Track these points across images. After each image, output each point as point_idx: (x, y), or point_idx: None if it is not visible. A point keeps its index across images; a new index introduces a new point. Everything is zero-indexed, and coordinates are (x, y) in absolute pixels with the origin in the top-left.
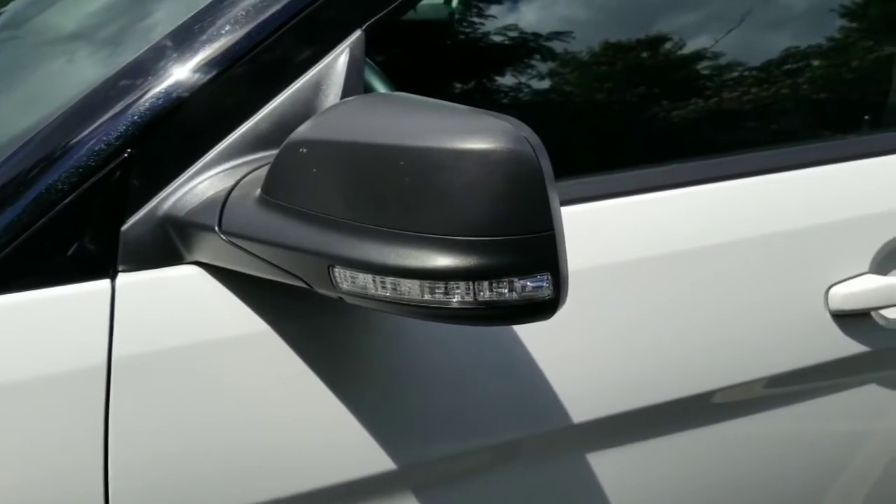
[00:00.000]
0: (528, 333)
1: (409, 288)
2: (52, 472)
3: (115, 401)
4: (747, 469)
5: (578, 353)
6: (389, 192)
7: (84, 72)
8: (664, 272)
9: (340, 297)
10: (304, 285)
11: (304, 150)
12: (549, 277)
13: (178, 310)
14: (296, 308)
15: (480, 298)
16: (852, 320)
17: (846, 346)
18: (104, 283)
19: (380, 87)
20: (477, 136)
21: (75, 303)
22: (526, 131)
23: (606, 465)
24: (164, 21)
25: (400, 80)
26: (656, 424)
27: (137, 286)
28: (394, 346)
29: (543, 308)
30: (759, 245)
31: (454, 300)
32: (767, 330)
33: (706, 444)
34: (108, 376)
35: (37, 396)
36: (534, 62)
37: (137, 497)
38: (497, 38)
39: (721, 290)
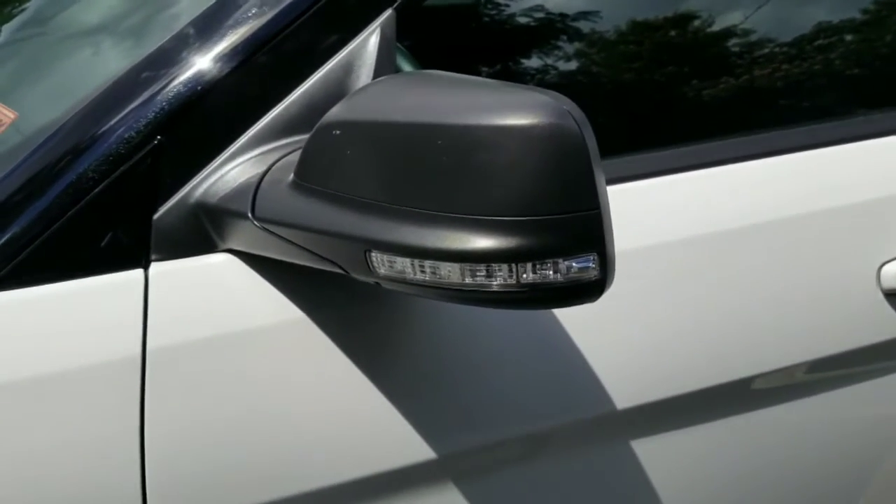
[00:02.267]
0: (566, 320)
1: (449, 271)
2: (88, 463)
3: (150, 391)
4: (791, 455)
5: (618, 339)
6: (427, 172)
7: (111, 63)
8: (706, 253)
9: (377, 283)
10: (340, 271)
11: (338, 132)
12: (596, 257)
13: (212, 298)
14: (331, 295)
15: (524, 280)
16: None
17: None
18: (137, 273)
19: (408, 69)
20: (518, 111)
21: (109, 293)
22: (569, 105)
23: (645, 453)
24: (188, 9)
25: (427, 63)
26: (695, 411)
27: (171, 275)
28: (430, 335)
29: (590, 290)
30: (808, 223)
31: (496, 283)
32: (816, 311)
33: (746, 431)
34: (144, 366)
35: (72, 387)
36: (563, 42)
37: (175, 487)
38: (525, 19)
39: (767, 270)
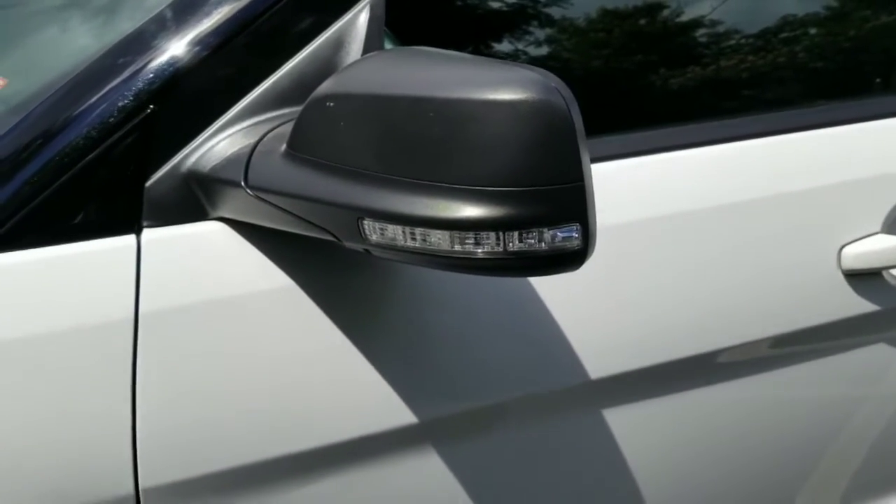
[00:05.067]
0: (545, 291)
1: (439, 239)
2: (80, 424)
3: (142, 354)
4: (752, 428)
5: (592, 312)
6: (419, 143)
7: (105, 31)
8: (675, 232)
9: (368, 250)
10: (332, 238)
11: (331, 104)
12: (579, 228)
13: (203, 265)
14: (321, 263)
15: (510, 249)
16: (864, 279)
17: (857, 304)
18: (130, 239)
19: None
20: (507, 86)
21: (102, 258)
22: (556, 82)
23: (618, 421)
24: None
25: (409, 43)
26: (664, 383)
27: (163, 242)
28: (417, 302)
29: (572, 259)
30: (773, 205)
31: (483, 251)
32: (779, 289)
33: (713, 403)
34: (136, 330)
35: (66, 350)
36: (546, 23)
37: (165, 449)
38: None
39: (733, 250)
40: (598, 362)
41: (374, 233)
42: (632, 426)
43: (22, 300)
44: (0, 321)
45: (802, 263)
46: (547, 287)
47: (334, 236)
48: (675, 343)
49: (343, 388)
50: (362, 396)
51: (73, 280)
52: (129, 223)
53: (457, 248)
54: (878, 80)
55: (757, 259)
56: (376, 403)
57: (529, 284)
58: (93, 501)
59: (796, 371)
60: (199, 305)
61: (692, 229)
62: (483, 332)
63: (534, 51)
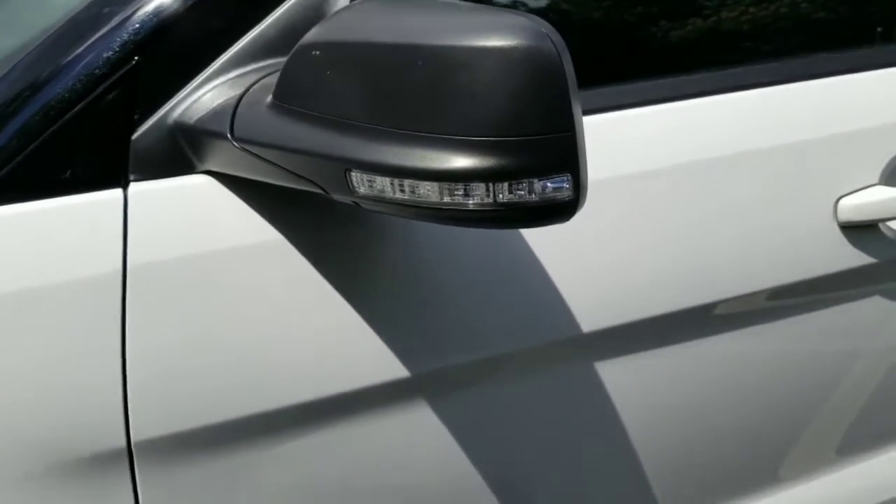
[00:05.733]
0: (537, 245)
1: (428, 190)
2: (71, 379)
3: (131, 308)
4: (749, 381)
5: (588, 264)
6: (407, 92)
7: None
8: (670, 183)
9: (356, 203)
10: (319, 191)
11: (317, 53)
12: (570, 178)
13: (190, 218)
14: (309, 217)
15: (500, 200)
16: (860, 232)
17: (853, 257)
18: (116, 193)
19: None
20: (496, 33)
21: (89, 211)
22: (547, 28)
23: (614, 374)
24: None
25: None
26: (661, 335)
27: (149, 195)
28: (406, 257)
29: (562, 210)
30: (769, 156)
31: (473, 202)
32: (775, 241)
33: (709, 356)
34: (124, 284)
35: (54, 303)
36: None
37: (156, 404)
38: None
39: (729, 201)
40: (595, 314)
41: (362, 185)
42: (628, 379)
43: (8, 255)
44: None
45: (798, 215)
46: (543, 239)
47: (322, 189)
48: (672, 295)
49: (333, 341)
50: (353, 350)
51: (59, 234)
52: (115, 177)
53: (446, 199)
54: (878, 29)
55: (753, 211)
56: (367, 357)
57: (524, 236)
58: (85, 456)
59: (793, 324)
60: (186, 259)
61: (688, 181)
62: (477, 284)
63: (532, 2)
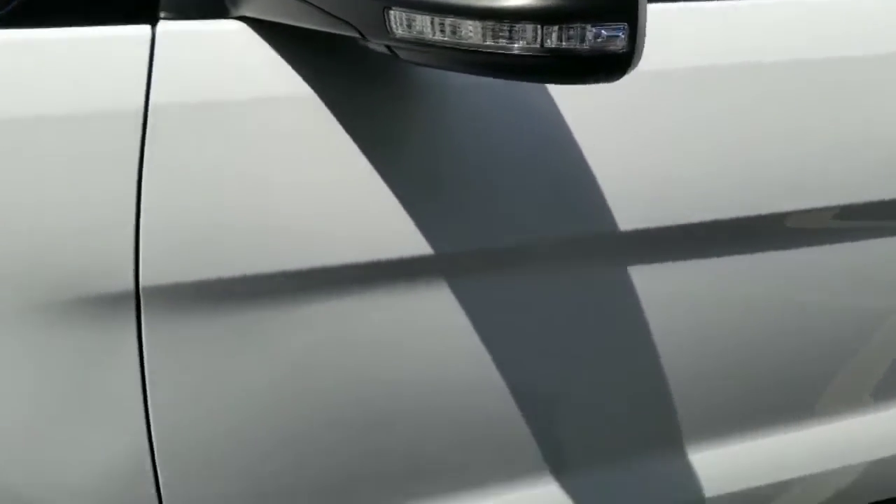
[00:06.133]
0: (578, 130)
1: (471, 31)
2: (84, 212)
3: (149, 147)
4: (793, 302)
5: (629, 161)
6: None
7: None
8: (743, 83)
9: (391, 50)
10: (355, 34)
11: None
12: (626, 28)
13: (219, 63)
14: (342, 72)
15: (547, 45)
16: None
17: None
18: (145, 29)
19: None
20: None
21: (115, 44)
22: None
23: (644, 278)
24: None
25: None
26: (700, 244)
27: (178, 35)
28: (437, 124)
29: (615, 64)
30: (854, 66)
31: (518, 45)
32: (844, 157)
33: (754, 272)
34: (145, 122)
35: (73, 134)
36: None
37: (168, 249)
38: None
39: (801, 109)
40: (629, 213)
41: (401, 25)
42: (658, 285)
43: (32, 77)
44: (7, 96)
45: (876, 133)
46: (583, 128)
47: (358, 31)
48: (725, 202)
49: (356, 207)
50: (375, 219)
51: (83, 64)
52: (145, 13)
53: (489, 42)
54: None
55: (823, 123)
56: (385, 230)
57: (562, 119)
58: (93, 294)
59: (853, 248)
60: (211, 104)
61: (766, 82)
62: (509, 167)
63: None
